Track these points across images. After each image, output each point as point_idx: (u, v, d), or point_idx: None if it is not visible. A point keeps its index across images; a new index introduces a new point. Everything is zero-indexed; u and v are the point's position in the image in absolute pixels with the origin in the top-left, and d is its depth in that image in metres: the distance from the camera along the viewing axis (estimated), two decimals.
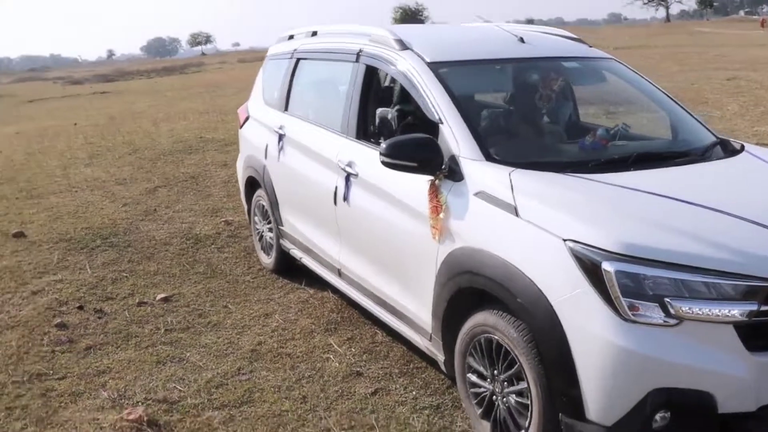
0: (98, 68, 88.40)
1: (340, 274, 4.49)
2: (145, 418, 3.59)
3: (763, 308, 2.49)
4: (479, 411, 3.24)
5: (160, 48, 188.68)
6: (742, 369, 2.51)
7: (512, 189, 3.01)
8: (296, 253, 5.21)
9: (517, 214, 2.93)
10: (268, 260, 5.80)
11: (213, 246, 6.57)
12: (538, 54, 4.29)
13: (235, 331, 4.74)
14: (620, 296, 2.50)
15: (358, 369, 4.14)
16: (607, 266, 2.53)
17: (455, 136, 3.39)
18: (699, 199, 2.89)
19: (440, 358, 3.51)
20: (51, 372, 4.21)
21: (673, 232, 2.64)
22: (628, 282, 2.50)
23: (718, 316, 2.48)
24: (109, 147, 12.42)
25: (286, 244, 5.36)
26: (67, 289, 5.55)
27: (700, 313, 2.48)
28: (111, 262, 6.18)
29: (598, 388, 2.57)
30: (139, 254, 6.37)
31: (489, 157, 3.28)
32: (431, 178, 3.33)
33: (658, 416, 2.54)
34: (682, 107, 4.23)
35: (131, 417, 3.58)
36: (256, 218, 5.92)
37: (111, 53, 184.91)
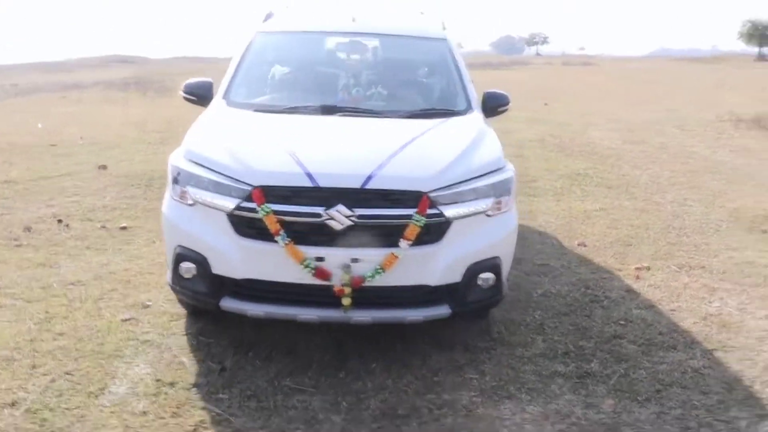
0: None
1: None
2: None
3: (243, 205, 3.56)
4: None
5: (508, 46, 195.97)
6: (229, 246, 3.64)
7: (205, 115, 4.56)
8: None
9: None
10: None
11: None
12: (357, 30, 5.34)
13: (122, 256, 5.71)
14: (170, 183, 3.92)
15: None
16: (170, 161, 3.97)
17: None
18: (291, 134, 4.08)
19: None
20: None
21: (221, 149, 3.83)
22: (176, 174, 3.86)
23: (214, 204, 3.65)
24: None
25: None
26: (71, 207, 7.10)
27: (203, 199, 3.69)
28: (136, 197, 7.61)
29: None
30: None
31: (225, 97, 4.80)
32: None
33: (184, 266, 3.78)
34: (463, 86, 5.04)
35: None
36: None
37: (459, 46, 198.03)
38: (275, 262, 3.58)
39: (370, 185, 3.53)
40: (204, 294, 3.81)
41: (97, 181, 8.21)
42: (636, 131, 14.13)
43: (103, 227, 6.52)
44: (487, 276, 3.80)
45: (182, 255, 3.79)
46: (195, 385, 3.70)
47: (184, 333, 4.32)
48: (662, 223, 7.11)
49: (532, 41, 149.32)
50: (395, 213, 3.56)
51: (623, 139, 13.00)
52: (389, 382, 3.77)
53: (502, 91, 5.00)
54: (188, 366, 3.90)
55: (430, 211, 3.56)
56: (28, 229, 6.34)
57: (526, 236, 6.56)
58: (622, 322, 4.62)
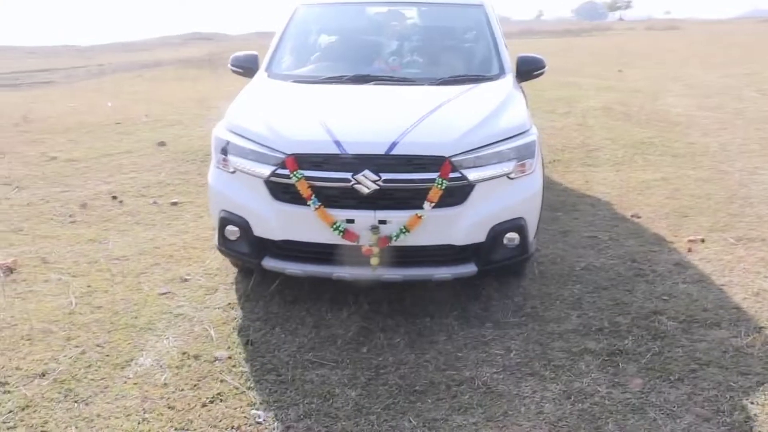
0: (521, 26, 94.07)
1: None
2: (9, 266, 4.99)
3: (278, 171, 3.81)
4: None
5: (591, 12, 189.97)
6: (267, 210, 3.91)
7: (247, 87, 4.83)
8: None
9: None
10: None
11: None
12: None
13: (169, 231, 5.86)
14: (213, 152, 4.25)
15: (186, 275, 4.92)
16: (214, 133, 4.28)
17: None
18: (324, 104, 4.35)
19: None
20: (25, 229, 5.93)
21: (259, 120, 4.09)
22: (219, 144, 4.16)
23: (252, 171, 3.92)
24: None
25: None
26: (127, 184, 7.31)
27: (242, 167, 3.96)
28: (190, 172, 7.78)
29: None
30: None
31: (267, 69, 5.12)
32: None
33: (229, 229, 4.09)
34: (497, 51, 5.13)
35: (2, 262, 5.03)
36: None
37: (540, 14, 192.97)
38: (309, 224, 3.82)
39: (395, 151, 3.71)
40: (247, 254, 4.12)
41: (155, 158, 8.43)
42: (712, 96, 13.46)
43: (155, 203, 6.68)
44: (512, 236, 3.96)
45: (226, 219, 4.10)
46: (218, 358, 3.74)
47: (217, 306, 4.38)
48: (726, 193, 6.75)
49: (614, 6, 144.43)
50: (419, 177, 3.72)
51: (697, 105, 12.40)
52: (411, 357, 3.73)
53: (537, 55, 5.00)
54: (215, 339, 3.96)
55: (452, 175, 3.72)
56: (83, 205, 6.57)
57: (577, 207, 6.37)
58: (665, 297, 4.42)
